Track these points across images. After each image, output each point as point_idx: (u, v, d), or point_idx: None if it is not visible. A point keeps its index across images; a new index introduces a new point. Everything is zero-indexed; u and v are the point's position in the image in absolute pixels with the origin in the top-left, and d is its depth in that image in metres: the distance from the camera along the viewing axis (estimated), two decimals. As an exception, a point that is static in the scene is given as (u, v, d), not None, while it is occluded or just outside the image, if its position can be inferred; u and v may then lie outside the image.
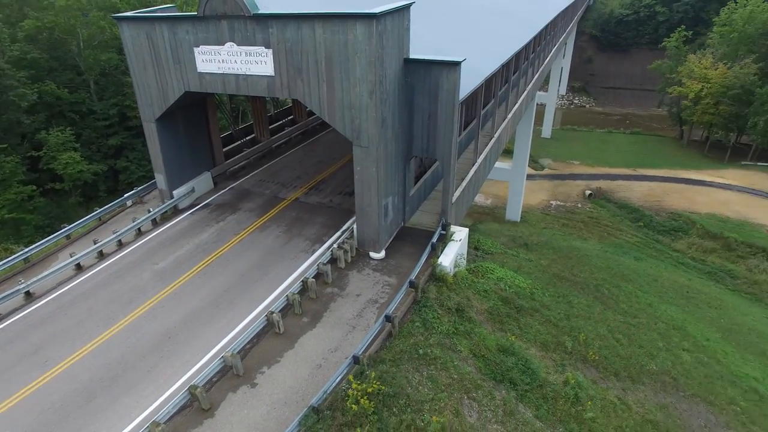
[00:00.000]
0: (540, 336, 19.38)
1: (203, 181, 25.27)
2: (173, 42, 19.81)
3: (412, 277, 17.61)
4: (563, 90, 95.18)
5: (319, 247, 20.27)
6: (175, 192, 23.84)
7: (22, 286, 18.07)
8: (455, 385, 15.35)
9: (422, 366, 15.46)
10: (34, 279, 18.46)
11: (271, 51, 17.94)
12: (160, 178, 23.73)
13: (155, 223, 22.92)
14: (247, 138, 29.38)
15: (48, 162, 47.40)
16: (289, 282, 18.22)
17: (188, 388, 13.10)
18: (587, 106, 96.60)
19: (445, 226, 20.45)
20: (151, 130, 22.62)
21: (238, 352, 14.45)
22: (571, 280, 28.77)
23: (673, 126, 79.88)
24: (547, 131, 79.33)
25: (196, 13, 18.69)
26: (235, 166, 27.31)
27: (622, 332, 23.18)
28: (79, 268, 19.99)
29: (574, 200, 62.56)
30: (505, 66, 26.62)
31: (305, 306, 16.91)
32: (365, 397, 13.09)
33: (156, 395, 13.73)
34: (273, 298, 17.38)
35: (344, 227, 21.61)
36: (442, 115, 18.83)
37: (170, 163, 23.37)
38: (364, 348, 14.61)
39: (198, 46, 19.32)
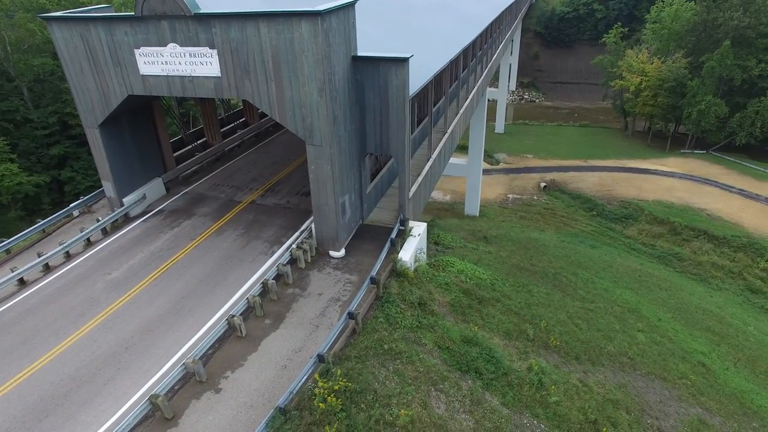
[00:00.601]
0: (502, 325, 19.91)
1: (154, 188, 24.47)
2: (111, 44, 19.09)
3: (373, 273, 17.70)
4: (513, 86, 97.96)
5: (278, 249, 20.05)
6: (125, 199, 22.98)
7: (-42, 306, 16.97)
8: (422, 378, 15.55)
9: (388, 361, 15.58)
10: (-27, 298, 17.37)
11: (215, 51, 17.61)
12: (107, 186, 22.80)
13: (105, 233, 22.02)
14: (198, 142, 28.68)
15: (-20, 175, 44.60)
16: (249, 285, 17.93)
17: (149, 398, 12.69)
18: (537, 101, 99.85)
19: (404, 222, 20.68)
20: (94, 137, 21.70)
21: (200, 358, 14.13)
22: (530, 270, 29.70)
23: (617, 118, 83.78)
24: (500, 126, 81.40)
25: (133, 14, 18.10)
26: (188, 171, 26.59)
27: (581, 317, 24.14)
28: (22, 283, 18.95)
29: (530, 193, 64.44)
30: (454, 62, 27.13)
31: (267, 308, 16.71)
32: (332, 395, 13.09)
33: (114, 409, 13.23)
34: (233, 302, 17.07)
35: (302, 227, 21.46)
36: (393, 112, 19.02)
37: (118, 170, 22.51)
38: (328, 346, 14.58)
39: (138, 48, 18.70)
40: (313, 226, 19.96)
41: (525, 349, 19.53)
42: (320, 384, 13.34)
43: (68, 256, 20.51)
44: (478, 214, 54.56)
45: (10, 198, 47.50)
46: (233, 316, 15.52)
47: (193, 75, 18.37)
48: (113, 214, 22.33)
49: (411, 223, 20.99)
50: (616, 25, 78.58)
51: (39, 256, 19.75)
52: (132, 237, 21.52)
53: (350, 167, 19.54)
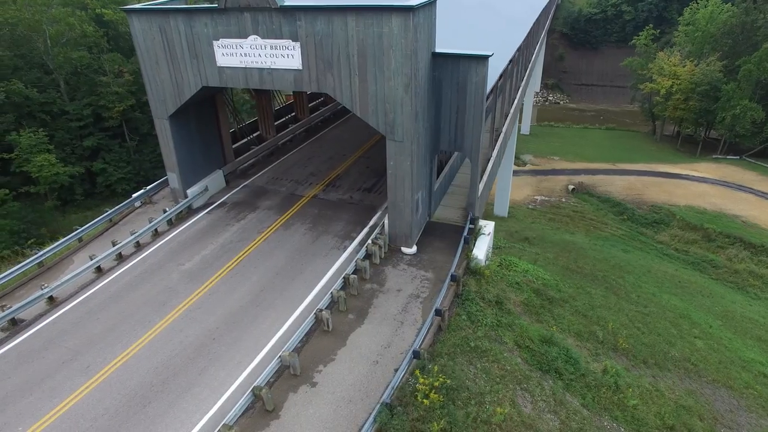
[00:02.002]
0: (573, 326, 19.77)
1: (216, 180, 24.56)
2: (190, 35, 19.15)
3: (452, 271, 17.63)
4: (537, 87, 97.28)
5: (349, 244, 20.03)
6: (189, 191, 23.08)
7: (45, 290, 17.13)
8: (508, 377, 15.49)
9: (475, 359, 15.53)
10: (58, 283, 17.54)
11: (298, 44, 17.60)
12: (173, 177, 22.91)
13: (170, 224, 22.14)
14: (253, 135, 28.73)
15: (21, 165, 45.28)
16: (327, 279, 17.93)
17: (252, 390, 12.71)
18: (561, 102, 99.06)
19: (474, 220, 20.57)
20: (163, 128, 21.81)
21: (293, 352, 14.12)
22: (579, 272, 29.50)
23: (645, 121, 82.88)
24: (525, 128, 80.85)
25: (216, 5, 18.13)
26: (245, 164, 26.66)
27: (639, 321, 23.93)
28: (99, 271, 19.11)
29: (557, 195, 64.01)
30: (511, 61, 26.97)
31: (349, 303, 16.68)
32: (433, 392, 13.03)
33: (214, 398, 13.27)
34: (314, 296, 17.08)
35: (370, 223, 21.45)
36: (470, 109, 18.92)
37: (183, 162, 22.61)
38: (420, 342, 14.53)
39: (217, 40, 18.75)
40: (386, 221, 19.91)
41: (596, 351, 19.38)
42: (421, 380, 13.31)
43: (138, 246, 20.64)
44: (506, 215, 54.31)
45: (47, 188, 48.14)
46: (321, 310, 15.52)
47: (272, 67, 18.38)
48: (179, 205, 22.44)
49: (481, 222, 20.88)
50: (647, 27, 77.65)
51: (113, 245, 19.90)
52: (199, 228, 21.60)
53: (424, 164, 19.47)
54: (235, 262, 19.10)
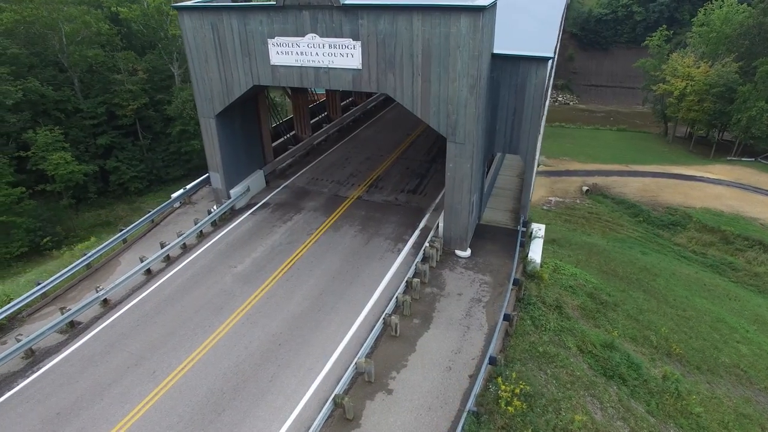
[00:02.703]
0: (627, 331, 19.58)
1: (257, 180, 24.23)
2: (243, 33, 18.81)
3: (514, 275, 17.37)
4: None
5: (403, 247, 19.74)
6: (232, 191, 22.74)
7: (101, 293, 16.79)
8: (577, 383, 15.26)
9: (544, 364, 15.29)
10: (112, 285, 17.18)
11: (359, 43, 17.27)
12: (216, 177, 22.56)
13: (214, 225, 21.80)
14: (289, 135, 28.40)
15: (37, 163, 44.96)
16: (386, 283, 17.65)
17: (333, 398, 12.42)
18: (571, 103, 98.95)
19: (526, 223, 20.32)
20: (209, 127, 21.46)
21: (368, 358, 13.84)
22: (614, 275, 29.30)
23: (656, 123, 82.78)
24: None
25: (272, 3, 17.80)
26: (283, 164, 26.33)
27: (684, 326, 23.73)
28: (149, 273, 18.77)
29: (572, 196, 63.78)
30: (551, 60, 26.70)
31: (412, 307, 16.39)
32: (515, 398, 12.78)
33: (290, 407, 12.97)
34: (376, 300, 16.79)
35: (420, 225, 21.18)
36: (528, 111, 18.64)
37: (228, 161, 22.27)
38: (493, 348, 14.27)
39: (273, 38, 18.41)
40: (440, 224, 19.63)
41: (651, 356, 19.18)
42: (502, 387, 13.07)
43: (185, 248, 20.31)
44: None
45: (63, 186, 47.73)
46: (390, 315, 15.24)
47: (330, 66, 18.05)
48: (223, 205, 22.10)
49: (533, 225, 20.62)
50: (660, 28, 77.51)
51: (161, 246, 19.56)
52: (246, 230, 21.27)
53: (480, 166, 19.21)
54: (289, 265, 18.79)
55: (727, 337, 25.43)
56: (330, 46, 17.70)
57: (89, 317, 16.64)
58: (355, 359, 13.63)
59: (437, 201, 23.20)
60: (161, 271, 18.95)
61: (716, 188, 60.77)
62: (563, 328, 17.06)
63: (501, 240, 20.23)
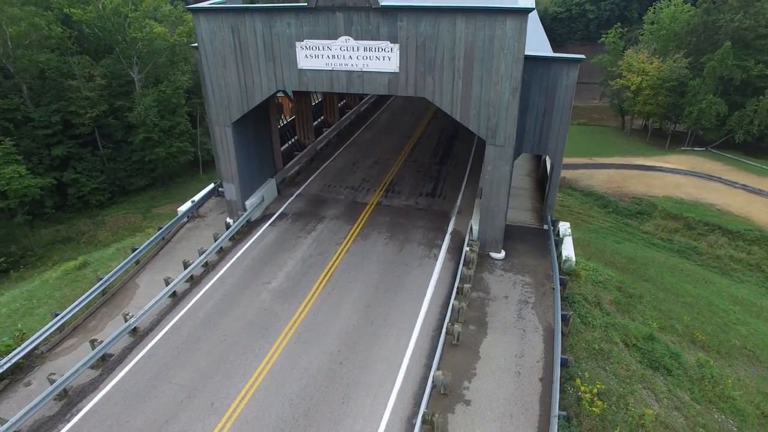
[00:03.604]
0: (655, 322, 20.15)
1: (270, 189, 23.19)
2: (268, 36, 17.88)
3: (558, 274, 17.49)
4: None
5: (438, 252, 19.45)
6: (247, 203, 21.62)
7: (132, 321, 15.46)
8: (633, 377, 15.54)
9: (602, 361, 15.49)
10: (142, 312, 15.86)
11: (397, 46, 16.81)
12: (230, 188, 21.36)
13: (232, 240, 20.65)
14: (293, 140, 27.41)
15: (-15, 178, 41.21)
16: (432, 290, 17.31)
17: (422, 416, 11.98)
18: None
19: (555, 222, 20.56)
20: (224, 135, 20.27)
21: (438, 370, 13.47)
22: (615, 266, 30.26)
23: (613, 116, 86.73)
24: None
25: (303, 4, 17.01)
26: (291, 172, 25.35)
27: (690, 312, 24.79)
28: (174, 296, 17.50)
29: (544, 189, 65.48)
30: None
31: (465, 314, 16.14)
32: (595, 398, 12.83)
33: (371, 429, 12.38)
34: (427, 309, 16.42)
35: (449, 229, 20.98)
36: (557, 112, 18.81)
37: (243, 171, 21.15)
38: (558, 350, 14.27)
39: (301, 41, 17.61)
40: (473, 226, 19.49)
41: (680, 344, 19.88)
42: (582, 388, 13.09)
43: (206, 266, 19.10)
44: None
45: (17, 202, 44.21)
46: (452, 324, 14.94)
47: (364, 70, 17.47)
48: (242, 218, 20.97)
49: (559, 223, 20.89)
50: (615, 25, 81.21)
51: (185, 266, 18.29)
52: (269, 243, 20.27)
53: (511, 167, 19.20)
54: (326, 278, 18.05)
55: (725, 319, 26.89)
56: (365, 49, 17.11)
57: (119, 348, 15.28)
58: (432, 372, 13.22)
59: (458, 204, 23.09)
60: (187, 292, 17.72)
61: (675, 177, 64.38)
62: (607, 323, 17.38)
63: (529, 240, 20.37)
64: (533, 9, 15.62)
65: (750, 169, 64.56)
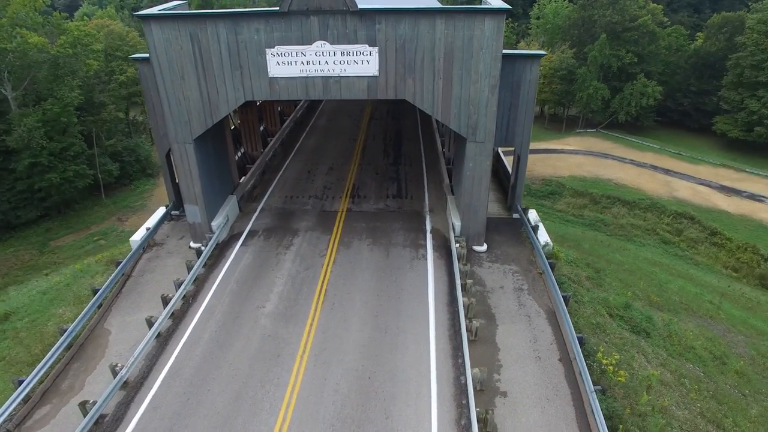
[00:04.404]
0: (621, 290, 22.13)
1: (232, 207, 21.64)
2: (234, 43, 16.64)
3: (545, 260, 18.44)
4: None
5: (425, 252, 19.53)
6: (213, 224, 19.99)
7: (123, 371, 13.57)
8: (626, 344, 17.01)
9: (600, 334, 16.73)
10: (132, 360, 13.96)
11: (376, 49, 16.57)
12: (193, 211, 19.59)
13: (204, 266, 18.97)
14: (241, 153, 25.78)
15: None
16: (433, 291, 17.36)
17: (476, 415, 12.01)
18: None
19: (525, 210, 21.67)
20: (185, 153, 18.52)
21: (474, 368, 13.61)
22: (562, 246, 32.66)
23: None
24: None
25: (273, 9, 16.09)
26: (248, 186, 23.86)
27: (636, 278, 27.57)
28: (158, 336, 15.68)
29: (464, 180, 68.57)
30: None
31: (474, 308, 16.45)
32: (617, 369, 13.84)
33: (425, 440, 12.19)
34: (434, 309, 16.45)
35: (428, 228, 21.19)
36: (522, 106, 19.83)
37: (206, 190, 19.50)
38: (572, 330, 15.12)
39: (272, 47, 16.65)
40: (454, 222, 19.84)
41: (643, 307, 22.05)
42: (604, 361, 14.05)
43: (184, 298, 17.36)
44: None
45: None
46: (471, 320, 15.14)
47: (341, 75, 16.96)
48: (212, 241, 19.30)
49: (529, 212, 22.04)
50: (507, 20, 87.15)
51: (164, 301, 16.45)
52: (248, 264, 18.93)
53: (486, 162, 19.87)
54: (321, 293, 17.30)
55: (658, 279, 30.35)
56: (342, 54, 16.61)
57: (111, 406, 13.36)
58: (467, 370, 13.28)
59: (427, 202, 23.39)
60: (173, 330, 15.96)
61: (576, 158, 70.97)
62: (593, 299, 18.77)
63: (503, 230, 21.28)
64: (510, 8, 16.25)
65: (633, 145, 73.17)
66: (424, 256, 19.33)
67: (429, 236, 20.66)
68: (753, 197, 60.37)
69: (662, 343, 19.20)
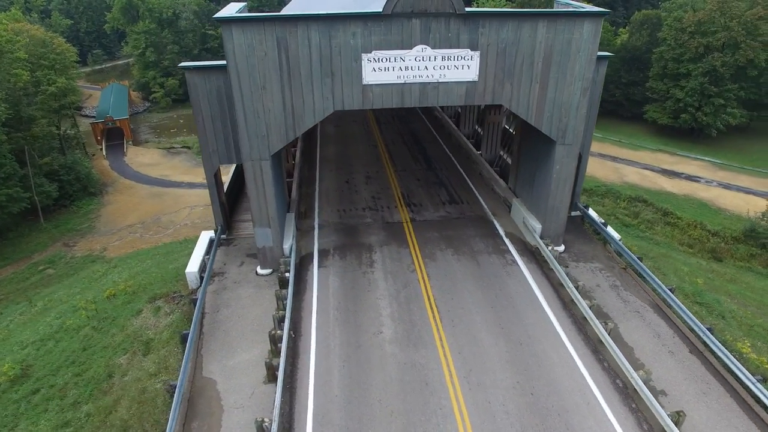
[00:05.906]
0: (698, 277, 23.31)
1: (293, 226, 19.87)
2: (327, 48, 15.22)
3: (632, 255, 18.91)
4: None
5: (513, 257, 19.25)
6: (284, 246, 18.26)
7: (274, 428, 11.85)
8: (724, 330, 17.85)
9: (706, 314, 17.53)
10: (277, 412, 12.24)
11: (477, 53, 15.97)
12: (265, 234, 17.69)
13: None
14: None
15: None
16: (540, 295, 17.16)
17: (670, 417, 11.96)
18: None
19: (587, 207, 22.13)
20: (260, 171, 16.65)
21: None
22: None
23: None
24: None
25: (374, 11, 14.92)
26: (294, 201, 22.10)
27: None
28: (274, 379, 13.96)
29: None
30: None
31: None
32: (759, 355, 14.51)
33: (624, 450, 11.91)
34: (554, 315, 16.25)
35: (501, 232, 20.91)
36: (590, 107, 20.00)
37: (279, 211, 17.74)
38: (696, 321, 15.59)
39: (369, 52, 15.45)
40: (533, 224, 19.74)
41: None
42: (744, 350, 14.69)
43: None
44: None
45: None
46: (606, 323, 15.09)
47: (440, 81, 16.14)
48: (292, 266, 17.53)
49: (589, 209, 22.51)
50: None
51: (273, 340, 14.66)
52: (338, 287, 17.46)
53: (557, 162, 19.96)
54: (434, 310, 16.41)
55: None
56: (443, 58, 15.81)
57: (268, 466, 11.67)
58: (632, 375, 13.19)
59: (485, 206, 23.10)
60: (291, 370, 14.28)
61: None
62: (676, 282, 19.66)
63: (568, 228, 21.52)
64: (608, 12, 16.34)
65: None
66: (514, 261, 19.04)
67: (507, 241, 20.39)
68: (690, 178, 66.81)
69: (737, 324, 20.43)
